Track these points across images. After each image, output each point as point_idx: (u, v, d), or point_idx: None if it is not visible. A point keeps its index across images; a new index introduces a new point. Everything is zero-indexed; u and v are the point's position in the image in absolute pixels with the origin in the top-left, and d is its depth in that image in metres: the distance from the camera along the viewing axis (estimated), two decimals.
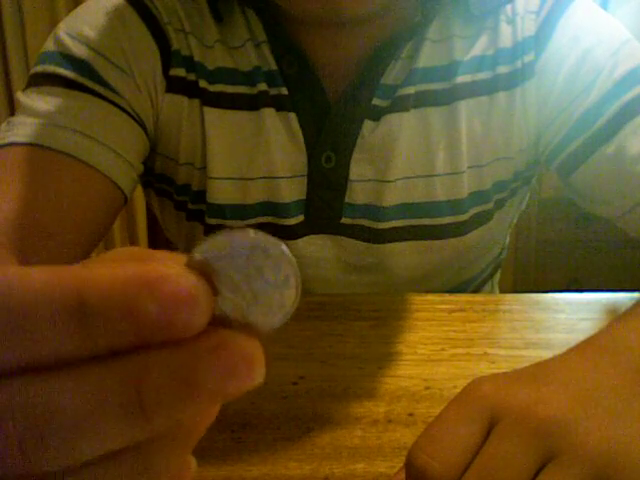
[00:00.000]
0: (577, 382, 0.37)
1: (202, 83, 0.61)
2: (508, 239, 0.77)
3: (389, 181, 0.62)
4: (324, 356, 0.51)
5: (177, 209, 0.67)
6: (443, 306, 0.58)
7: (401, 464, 0.40)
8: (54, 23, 2.42)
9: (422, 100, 0.61)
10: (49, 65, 0.59)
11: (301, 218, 0.63)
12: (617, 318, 0.45)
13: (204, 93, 0.61)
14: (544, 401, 0.35)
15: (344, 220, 0.63)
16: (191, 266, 0.18)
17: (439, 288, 0.68)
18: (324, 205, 0.63)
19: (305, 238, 0.64)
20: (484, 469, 0.32)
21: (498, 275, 0.79)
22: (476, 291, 0.74)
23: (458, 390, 0.36)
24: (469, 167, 0.62)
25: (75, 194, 0.56)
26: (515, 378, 0.38)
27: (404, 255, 0.64)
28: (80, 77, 0.58)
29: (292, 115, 0.61)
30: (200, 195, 0.64)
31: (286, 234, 0.63)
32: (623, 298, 0.58)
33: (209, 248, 0.18)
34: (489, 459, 0.33)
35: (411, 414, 0.44)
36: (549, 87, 0.61)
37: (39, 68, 0.59)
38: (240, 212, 0.63)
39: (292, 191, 0.62)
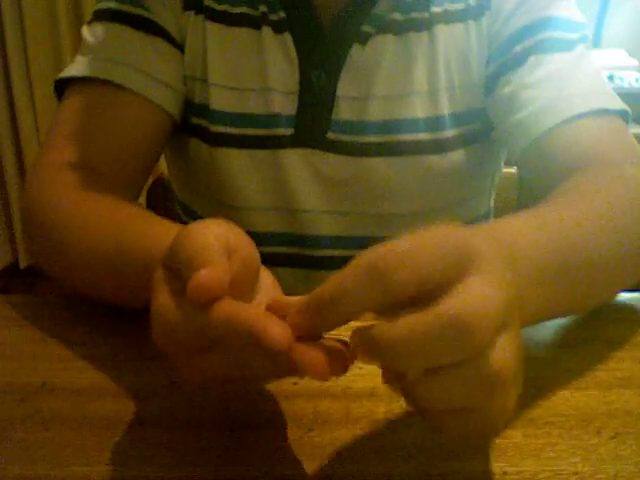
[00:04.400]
0: None
1: (207, 1, 0.69)
2: (493, 201, 0.81)
3: (372, 98, 0.68)
4: None
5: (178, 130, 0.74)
6: None
7: (401, 464, 0.40)
8: (54, 24, 2.42)
9: (406, 27, 0.67)
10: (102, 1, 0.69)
11: (291, 131, 0.69)
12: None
13: (209, 10, 0.69)
14: None
15: (329, 135, 0.69)
16: None
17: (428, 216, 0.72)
18: (313, 120, 0.69)
19: (293, 150, 0.69)
20: None
21: None
22: None
23: None
24: (445, 87, 0.68)
25: (135, 126, 0.66)
26: None
27: (382, 169, 0.69)
28: (124, 5, 0.67)
29: (287, 35, 0.68)
30: (201, 108, 0.70)
31: (276, 144, 0.69)
32: (623, 298, 0.58)
33: None
34: None
35: (411, 414, 0.44)
36: (496, 18, 0.67)
37: (99, 5, 0.69)
38: (239, 120, 0.69)
39: (285, 105, 0.69)
